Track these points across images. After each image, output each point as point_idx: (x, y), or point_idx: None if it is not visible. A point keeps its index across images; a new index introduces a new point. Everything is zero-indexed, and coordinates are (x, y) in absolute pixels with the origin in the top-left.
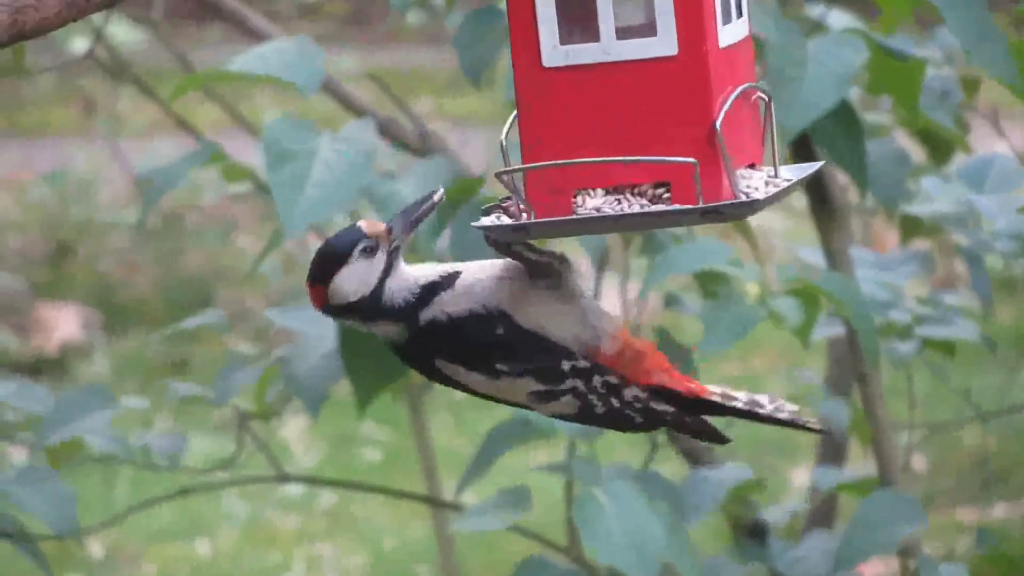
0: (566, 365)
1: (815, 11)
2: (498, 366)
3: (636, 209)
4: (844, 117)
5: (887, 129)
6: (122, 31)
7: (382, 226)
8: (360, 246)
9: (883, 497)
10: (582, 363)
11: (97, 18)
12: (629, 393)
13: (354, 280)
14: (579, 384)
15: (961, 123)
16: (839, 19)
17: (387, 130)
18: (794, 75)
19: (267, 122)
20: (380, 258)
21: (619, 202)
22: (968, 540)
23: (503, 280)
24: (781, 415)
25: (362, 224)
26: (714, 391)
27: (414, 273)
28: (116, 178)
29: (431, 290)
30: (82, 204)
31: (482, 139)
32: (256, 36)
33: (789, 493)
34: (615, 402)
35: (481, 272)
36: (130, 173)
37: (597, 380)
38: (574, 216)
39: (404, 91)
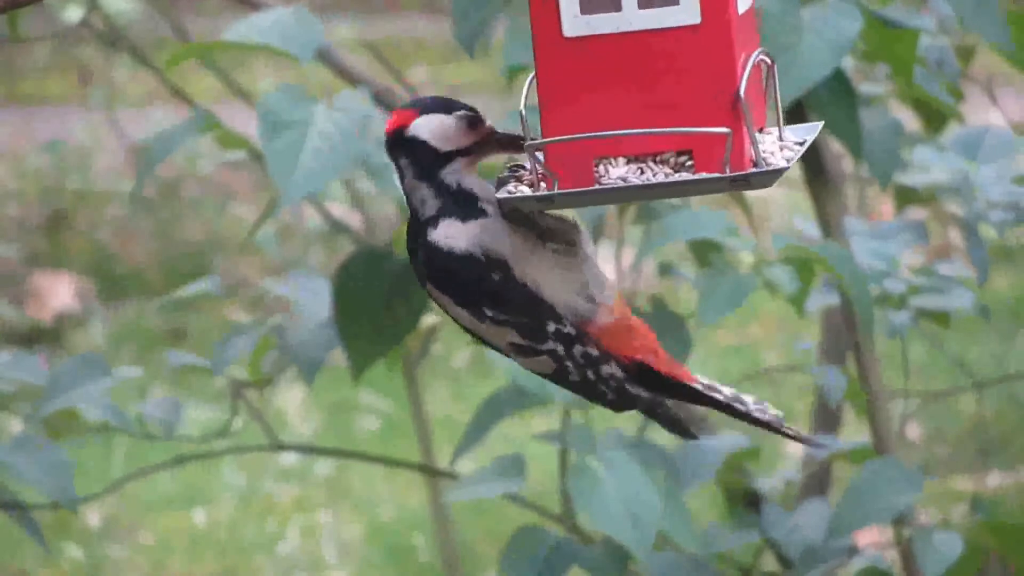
0: (551, 327)
1: None
2: (485, 310)
3: (661, 178)
4: (838, 86)
5: (882, 99)
6: (116, 0)
7: (489, 125)
8: (467, 113)
9: (880, 465)
10: (567, 329)
11: None
12: (606, 370)
13: (440, 130)
14: (559, 348)
15: (955, 91)
16: None
17: (382, 99)
18: (789, 43)
19: (263, 93)
20: (471, 136)
21: (642, 171)
22: (964, 509)
23: (514, 230)
24: (762, 416)
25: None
26: (700, 380)
27: (476, 180)
28: (113, 147)
29: (468, 200)
30: (79, 173)
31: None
32: (253, 6)
33: (784, 461)
34: (591, 374)
35: (497, 219)
36: (127, 143)
37: (578, 349)
38: (601, 186)
39: (402, 60)
